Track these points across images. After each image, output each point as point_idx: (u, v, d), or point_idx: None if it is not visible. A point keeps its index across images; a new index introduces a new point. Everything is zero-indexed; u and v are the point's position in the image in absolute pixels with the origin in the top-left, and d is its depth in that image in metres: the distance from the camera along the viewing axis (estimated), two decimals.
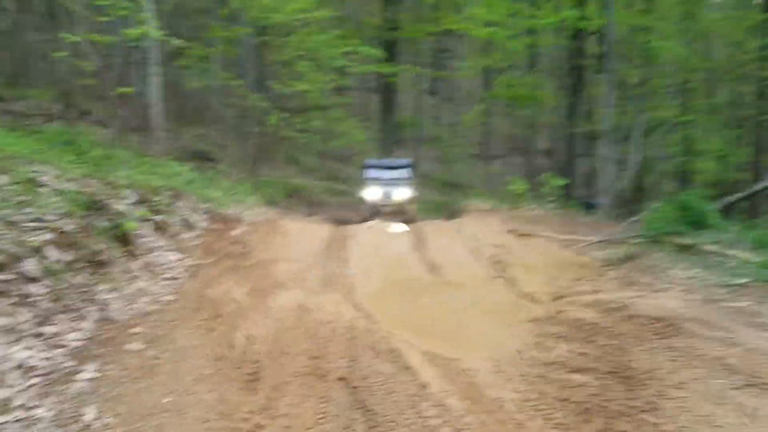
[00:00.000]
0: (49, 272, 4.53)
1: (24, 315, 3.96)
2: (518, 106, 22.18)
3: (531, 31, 21.52)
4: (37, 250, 4.71)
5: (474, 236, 10.98)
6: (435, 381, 4.49)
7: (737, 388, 3.62)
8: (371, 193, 16.27)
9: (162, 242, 6.89)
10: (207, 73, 15.78)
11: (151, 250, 6.49)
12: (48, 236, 4.96)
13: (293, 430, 3.71)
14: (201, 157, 14.83)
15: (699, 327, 4.78)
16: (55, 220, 5.26)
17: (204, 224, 8.09)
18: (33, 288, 4.21)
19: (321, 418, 3.88)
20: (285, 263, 8.60)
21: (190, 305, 5.65)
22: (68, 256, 4.98)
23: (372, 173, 16.99)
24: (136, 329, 4.55)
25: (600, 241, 10.10)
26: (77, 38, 10.51)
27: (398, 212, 15.72)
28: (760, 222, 10.48)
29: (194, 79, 15.36)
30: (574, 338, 5.25)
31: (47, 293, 4.26)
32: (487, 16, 19.41)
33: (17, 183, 5.26)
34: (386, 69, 21.97)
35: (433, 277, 9.13)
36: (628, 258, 8.35)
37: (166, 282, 6.19)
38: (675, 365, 4.08)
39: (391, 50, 24.88)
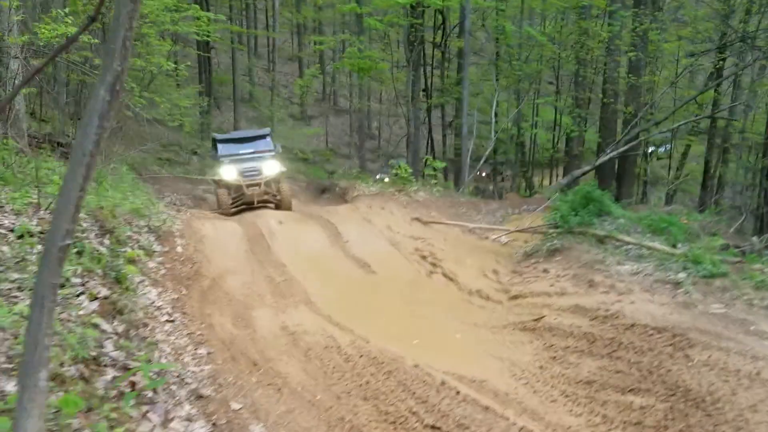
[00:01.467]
0: (127, 353, 4.08)
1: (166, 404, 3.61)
2: (361, 76, 22.45)
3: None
4: (95, 327, 4.20)
5: (387, 227, 11.23)
6: (515, 417, 4.78)
7: None
8: (230, 173, 13.53)
9: (137, 277, 6.32)
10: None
11: (135, 289, 5.95)
12: (93, 306, 4.42)
13: None
14: (56, 144, 13.24)
15: (705, 337, 5.55)
16: (83, 283, 4.68)
17: (156, 247, 7.47)
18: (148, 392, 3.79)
19: None
20: (230, 277, 8.27)
21: (224, 356, 5.33)
22: (120, 327, 4.49)
23: (226, 148, 14.24)
24: (234, 404, 4.28)
25: (513, 231, 10.91)
26: None
27: (268, 194, 13.73)
28: (630, 202, 11.99)
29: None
30: (595, 353, 5.82)
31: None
32: None
33: None
34: (205, 28, 20.89)
35: (369, 275, 9.31)
36: (555, 250, 9.19)
37: (170, 325, 5.76)
38: (730, 385, 4.77)
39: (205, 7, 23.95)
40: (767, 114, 19.07)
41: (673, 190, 23.61)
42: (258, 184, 13.64)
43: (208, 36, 22.39)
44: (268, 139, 14.82)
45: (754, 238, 9.39)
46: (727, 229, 10.13)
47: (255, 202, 13.53)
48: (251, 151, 14.30)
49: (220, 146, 14.41)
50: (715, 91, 19.96)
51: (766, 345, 5.37)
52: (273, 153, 14.35)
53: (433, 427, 4.61)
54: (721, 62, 19.84)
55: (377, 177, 20.77)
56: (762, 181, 18.00)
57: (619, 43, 16.48)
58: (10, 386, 2.68)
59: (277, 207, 13.74)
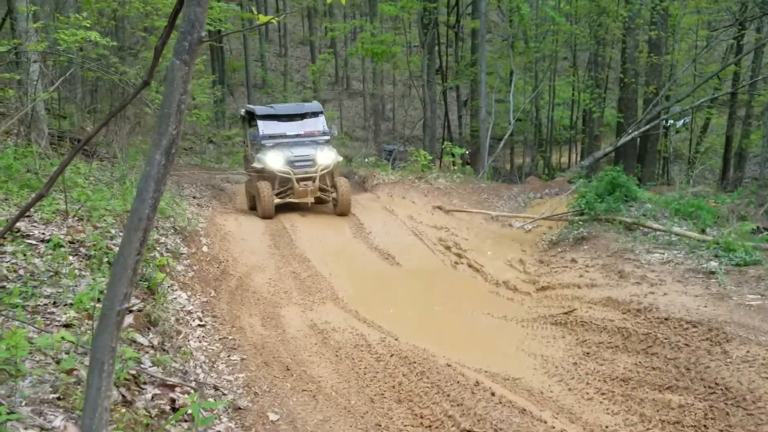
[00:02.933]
0: (164, 368, 4.08)
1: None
2: (376, 60, 22.27)
3: None
4: (133, 342, 4.21)
5: (410, 217, 11.17)
6: (552, 420, 4.72)
7: None
8: (276, 161, 10.84)
9: (166, 281, 6.33)
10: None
11: (165, 296, 5.96)
12: (129, 320, 4.42)
13: None
14: (76, 141, 13.25)
15: (743, 331, 5.46)
16: None
17: (183, 249, 7.48)
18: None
19: None
20: (257, 274, 8.27)
21: (257, 361, 5.33)
22: (155, 339, 4.49)
23: (269, 127, 11.36)
24: (272, 416, 4.27)
25: (538, 218, 10.80)
26: None
27: (324, 190, 11.13)
28: (653, 185, 11.83)
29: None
30: (630, 349, 5.75)
31: None
32: None
33: None
34: (216, 16, 20.67)
35: (393, 268, 9.27)
36: (582, 238, 9.09)
37: (202, 330, 5.77)
38: None
39: None
40: None
41: (694, 165, 23.29)
42: (312, 178, 10.93)
43: (220, 26, 22.31)
44: (321, 117, 11.90)
45: None
46: (757, 211, 9.95)
47: (308, 201, 11.08)
48: (301, 132, 11.57)
49: (260, 124, 11.47)
50: (736, 64, 19.61)
51: None
52: (328, 137, 11.67)
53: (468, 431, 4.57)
54: (741, 36, 19.45)
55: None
56: None
57: (639, 22, 16.21)
58: (58, 421, 2.67)
59: (333, 207, 11.35)
